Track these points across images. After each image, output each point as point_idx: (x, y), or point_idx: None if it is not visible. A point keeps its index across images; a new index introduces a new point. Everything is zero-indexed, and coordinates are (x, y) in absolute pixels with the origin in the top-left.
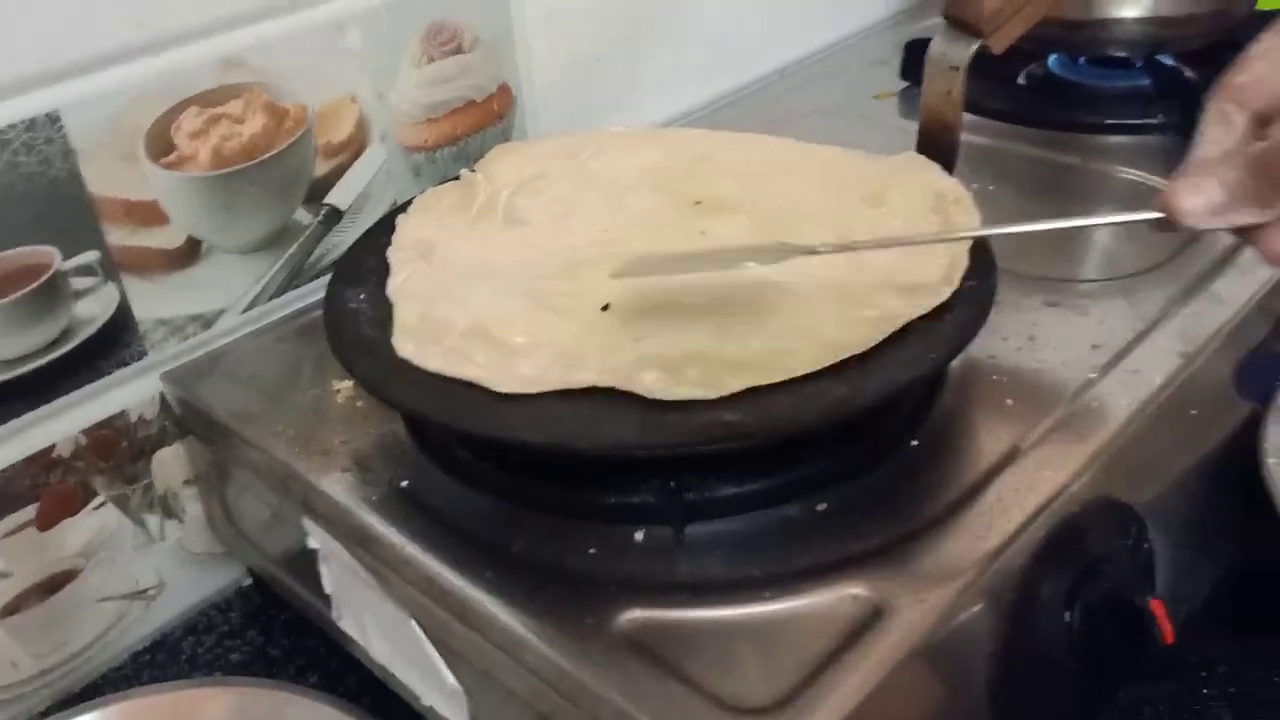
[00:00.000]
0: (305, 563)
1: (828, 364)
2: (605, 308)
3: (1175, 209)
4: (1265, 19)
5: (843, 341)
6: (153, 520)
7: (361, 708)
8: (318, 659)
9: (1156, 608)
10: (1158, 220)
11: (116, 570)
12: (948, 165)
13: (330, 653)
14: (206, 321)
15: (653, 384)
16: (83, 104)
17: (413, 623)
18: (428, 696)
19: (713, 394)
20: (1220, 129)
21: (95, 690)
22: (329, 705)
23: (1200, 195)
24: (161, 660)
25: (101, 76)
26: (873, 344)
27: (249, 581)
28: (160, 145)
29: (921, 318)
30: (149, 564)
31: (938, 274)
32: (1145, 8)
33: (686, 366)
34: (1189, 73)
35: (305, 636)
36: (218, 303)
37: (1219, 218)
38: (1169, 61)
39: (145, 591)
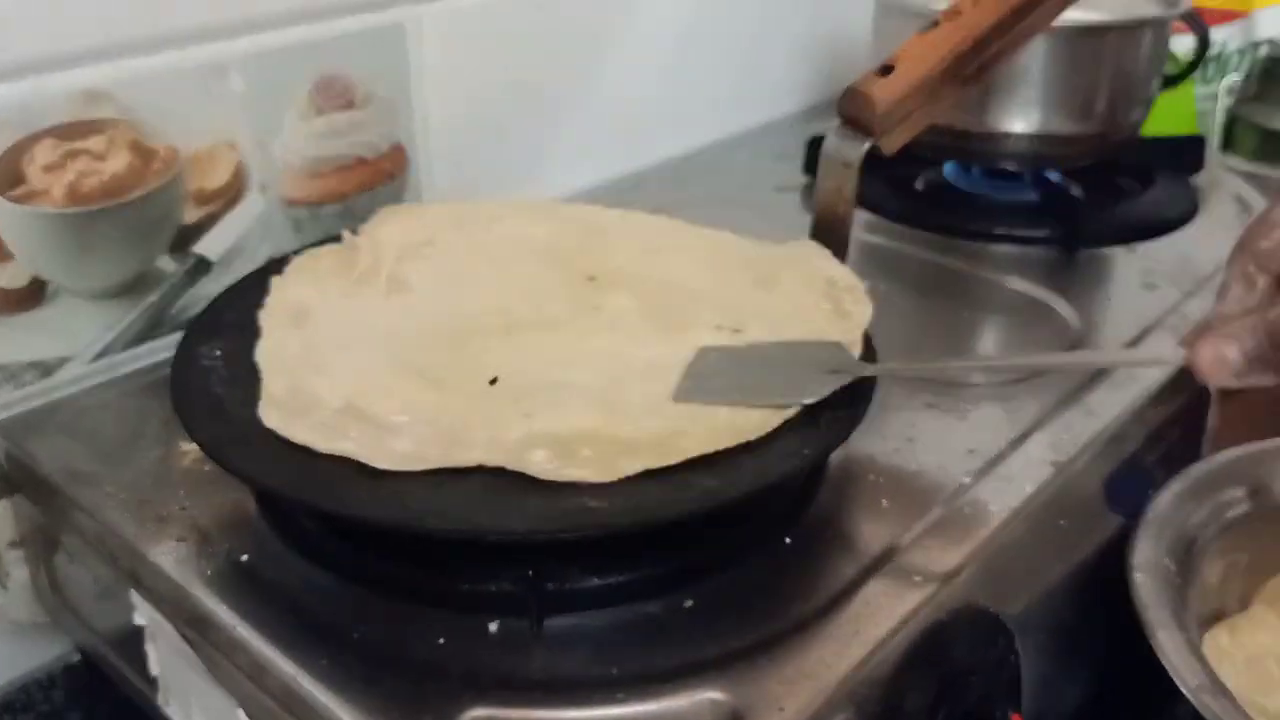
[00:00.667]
0: (133, 641)
1: (723, 446)
2: (493, 381)
3: (1198, 368)
4: (1146, 144)
5: (736, 426)
6: None
7: None
8: None
9: None
10: None
11: None
12: (839, 257)
13: None
14: (47, 369)
15: (542, 464)
16: None
17: (240, 712)
18: None
19: (606, 477)
20: (1243, 288)
21: None
22: None
23: (1221, 359)
24: None
25: None
26: (766, 430)
27: (77, 658)
28: (9, 177)
29: (803, 413)
30: None
31: None
32: (1033, 124)
33: (579, 446)
34: (1074, 190)
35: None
36: (61, 350)
37: (1237, 380)
38: (1055, 178)
39: None
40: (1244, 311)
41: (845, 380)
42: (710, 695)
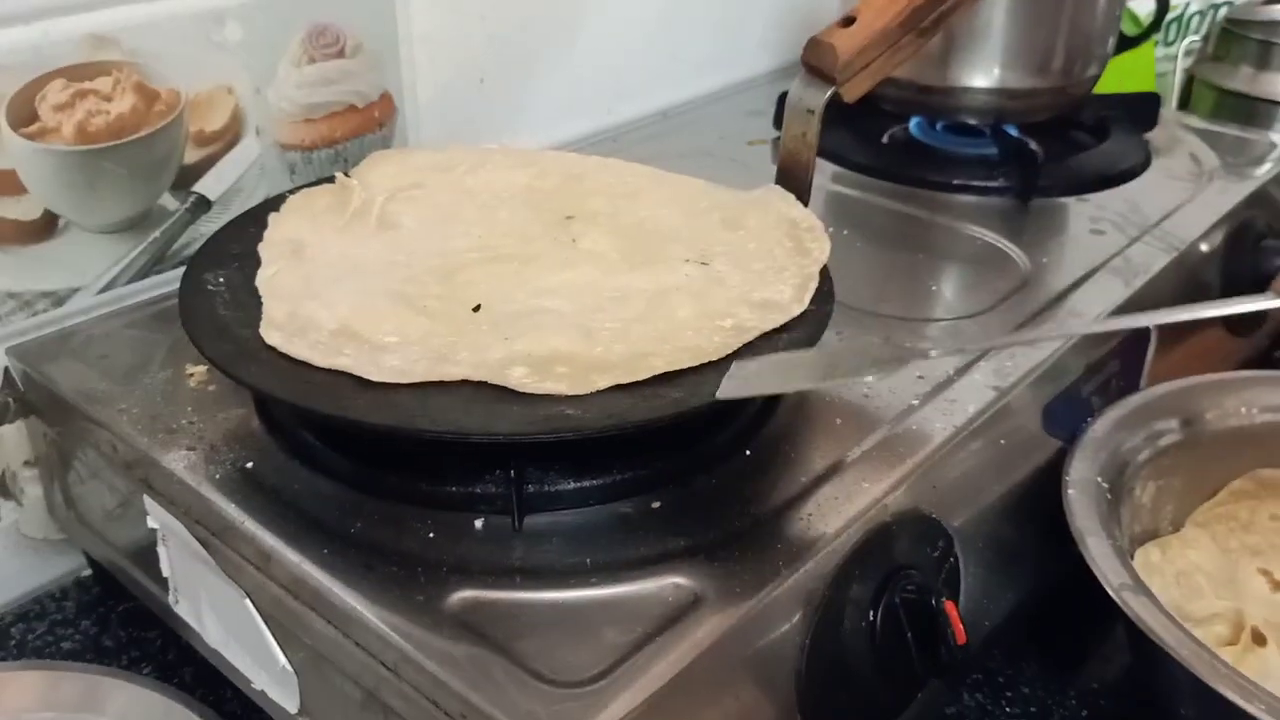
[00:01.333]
0: (145, 550)
1: (685, 366)
2: (476, 308)
3: None
4: (1102, 101)
5: (699, 348)
6: None
7: (180, 689)
8: (153, 652)
9: (950, 610)
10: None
11: None
12: (801, 200)
13: (167, 645)
14: (59, 299)
15: (522, 379)
16: None
17: (247, 602)
18: (259, 680)
19: (580, 390)
20: None
21: None
22: (146, 688)
23: None
24: None
25: None
26: (726, 352)
27: (88, 572)
28: (23, 114)
29: (765, 335)
30: None
31: (789, 294)
32: (993, 79)
33: (555, 364)
34: (1031, 144)
35: (142, 629)
36: (72, 281)
37: None
38: (1014, 132)
39: None
40: None
41: (900, 366)
42: (674, 580)
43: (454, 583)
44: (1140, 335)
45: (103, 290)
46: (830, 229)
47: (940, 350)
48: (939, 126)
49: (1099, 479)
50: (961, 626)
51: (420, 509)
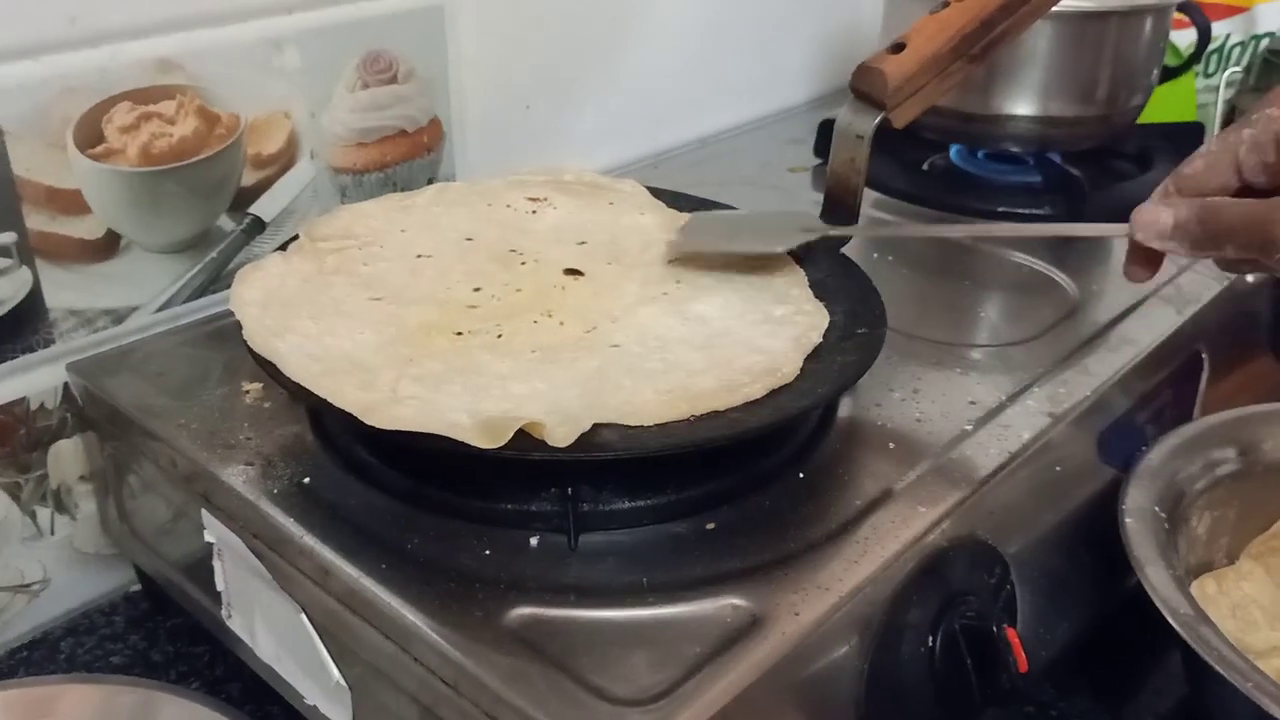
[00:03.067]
0: (199, 564)
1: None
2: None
3: (1134, 223)
4: (1145, 130)
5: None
6: (44, 514)
7: (231, 704)
8: (201, 666)
9: (1011, 637)
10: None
11: (1, 561)
12: (850, 224)
13: (215, 660)
14: (119, 317)
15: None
16: (16, 88)
17: (302, 616)
18: (311, 695)
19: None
20: (1222, 152)
21: None
22: (197, 702)
23: (1154, 220)
24: (38, 658)
25: (35, 63)
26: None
27: (137, 587)
28: (89, 136)
29: (814, 361)
30: (35, 558)
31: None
32: (1036, 107)
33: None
34: (1074, 171)
35: (191, 644)
36: (132, 299)
37: (1159, 241)
38: (1057, 160)
39: (29, 586)
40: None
41: (813, 237)
42: (732, 601)
43: (511, 599)
44: (1193, 363)
45: (161, 308)
46: (874, 255)
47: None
48: (980, 154)
49: (1155, 508)
50: (1023, 654)
51: (476, 525)
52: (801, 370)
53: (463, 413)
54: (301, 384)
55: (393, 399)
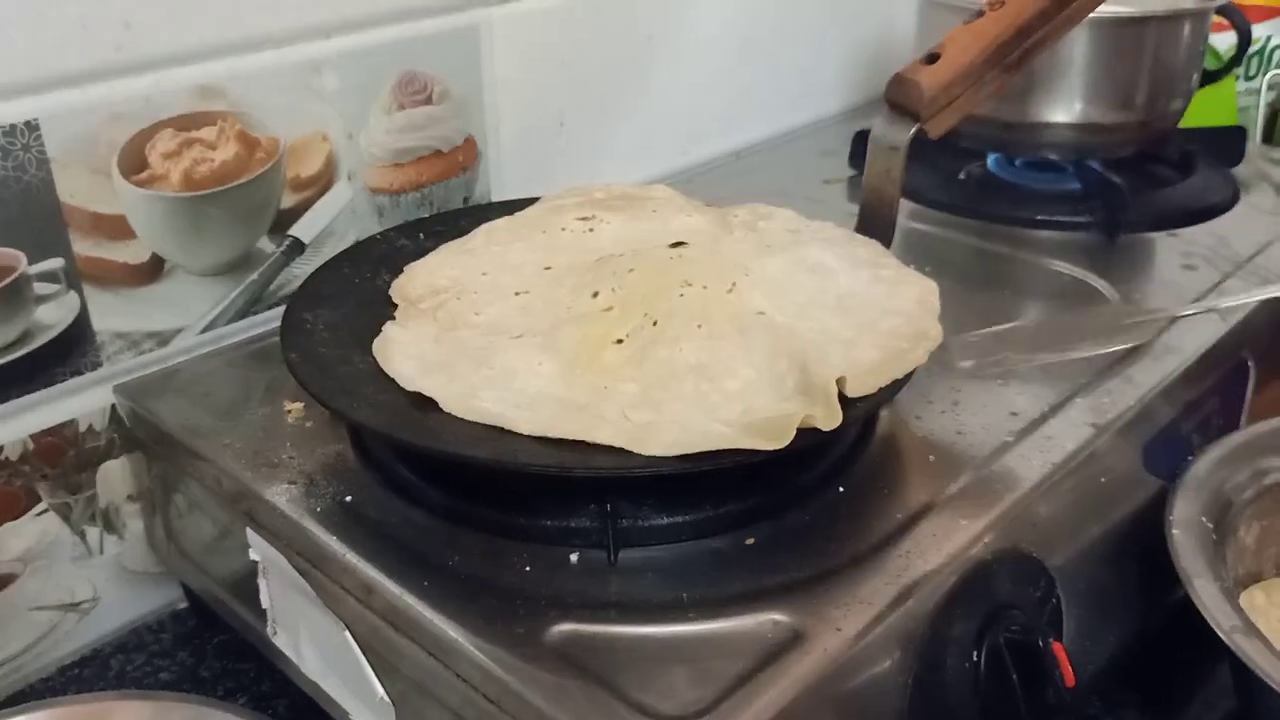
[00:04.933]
0: (244, 582)
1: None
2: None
3: None
4: (1186, 135)
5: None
6: (93, 533)
7: None
8: (248, 682)
9: (1058, 651)
10: None
11: (53, 580)
12: (885, 238)
13: (261, 676)
14: (163, 339)
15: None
16: (62, 115)
17: (347, 634)
18: (356, 711)
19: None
20: None
21: (20, 699)
22: (242, 717)
23: None
24: (89, 675)
25: (82, 92)
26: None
27: (184, 604)
28: (134, 162)
29: None
30: (85, 577)
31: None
32: (1075, 114)
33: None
34: (1115, 178)
35: (238, 660)
36: (176, 321)
37: None
38: (1096, 167)
39: (79, 604)
40: None
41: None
42: (773, 617)
43: (553, 616)
44: (1239, 371)
45: (204, 330)
46: (911, 265)
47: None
48: (1017, 163)
49: (1203, 519)
50: (1070, 668)
51: (516, 542)
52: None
53: (715, 423)
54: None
55: (649, 427)
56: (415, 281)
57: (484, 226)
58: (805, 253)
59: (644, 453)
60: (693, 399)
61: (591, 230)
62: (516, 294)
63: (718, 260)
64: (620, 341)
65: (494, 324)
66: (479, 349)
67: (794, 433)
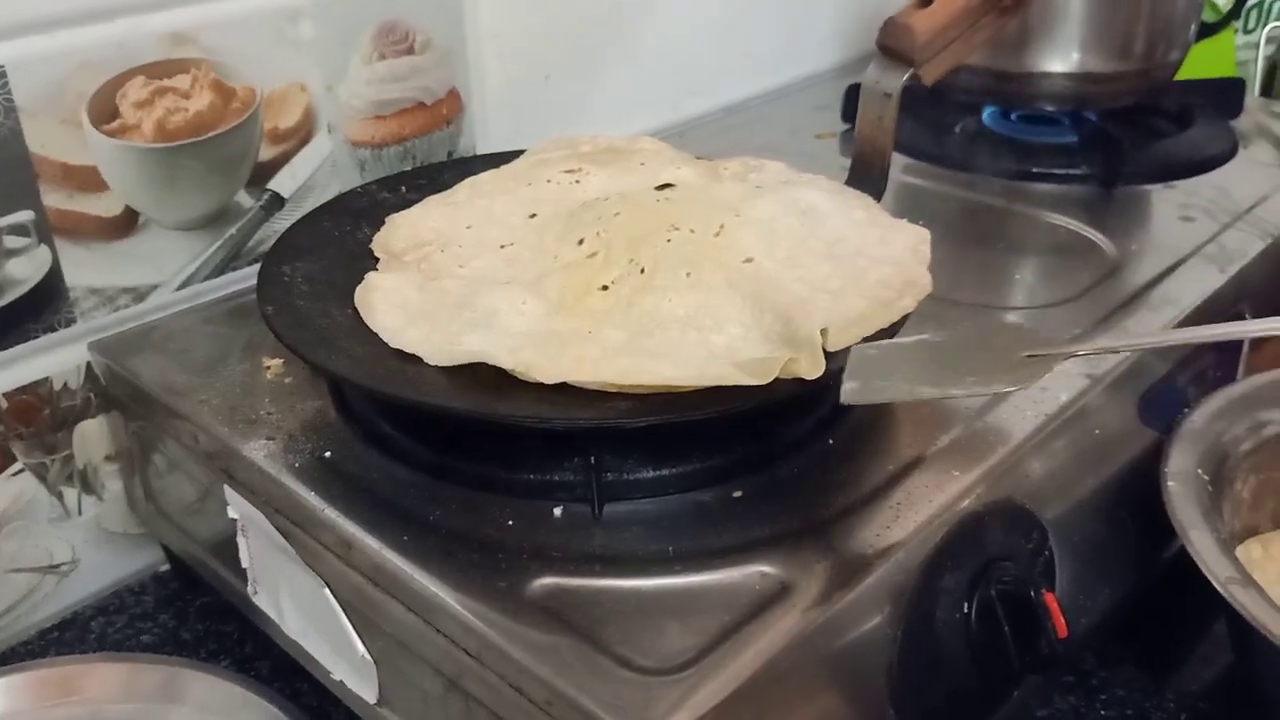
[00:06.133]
0: (224, 541)
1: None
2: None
3: None
4: (1184, 87)
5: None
6: (70, 494)
7: (259, 681)
8: (231, 644)
9: (1050, 602)
10: None
11: (30, 542)
12: (878, 189)
13: (244, 638)
14: (139, 295)
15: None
16: (30, 63)
17: (326, 591)
18: (338, 670)
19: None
20: None
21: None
22: (224, 679)
23: None
24: (69, 638)
25: (50, 38)
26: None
27: (165, 566)
28: (104, 112)
29: None
30: (64, 538)
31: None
32: (1072, 64)
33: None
34: (1112, 130)
35: (220, 622)
36: (152, 277)
37: None
38: (1093, 118)
39: (59, 566)
40: None
41: (1049, 367)
42: (760, 569)
43: (535, 569)
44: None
45: (181, 286)
46: (905, 218)
47: (1086, 348)
48: (1013, 116)
49: (1199, 471)
50: (1063, 619)
51: (499, 496)
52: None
53: (712, 357)
54: (534, 365)
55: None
56: (398, 234)
57: (468, 180)
58: (797, 194)
59: (643, 381)
60: (680, 346)
61: (578, 182)
62: (502, 246)
63: (706, 202)
64: (606, 288)
65: (479, 275)
66: (462, 295)
67: (777, 371)
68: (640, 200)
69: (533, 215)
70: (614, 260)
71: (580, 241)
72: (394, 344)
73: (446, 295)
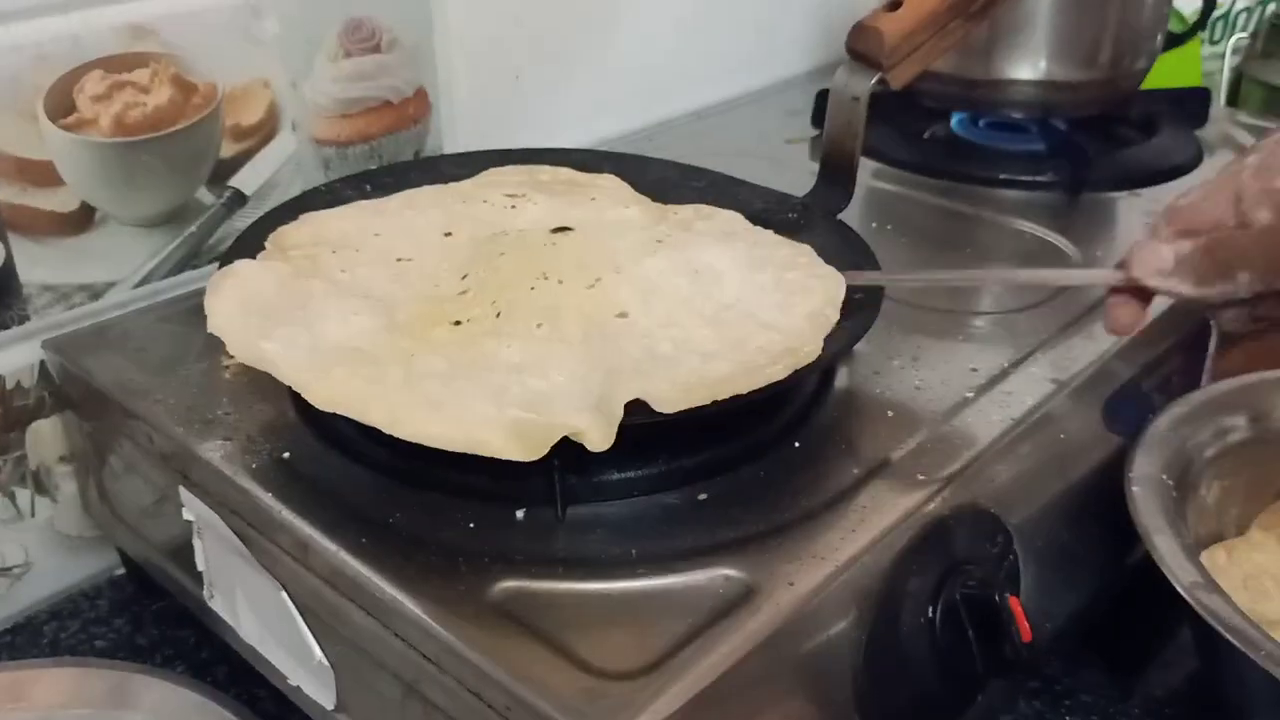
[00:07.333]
0: (180, 545)
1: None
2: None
3: (1130, 262)
4: (1150, 96)
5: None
6: (23, 495)
7: (211, 685)
8: (187, 649)
9: (1014, 606)
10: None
11: None
12: (846, 192)
13: (200, 643)
14: (95, 293)
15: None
16: None
17: (283, 594)
18: (295, 676)
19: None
20: (1222, 184)
21: None
22: (177, 685)
23: (1156, 256)
24: (21, 643)
25: (4, 30)
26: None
27: (121, 570)
28: (60, 105)
29: None
30: (16, 541)
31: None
32: (1040, 72)
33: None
34: (1078, 138)
35: (176, 627)
36: (108, 274)
37: (1160, 279)
38: (1061, 126)
39: (10, 569)
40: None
41: None
42: (725, 572)
43: (496, 573)
44: (1201, 331)
45: (139, 284)
46: (873, 224)
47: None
48: (981, 123)
49: (1164, 476)
50: (1027, 623)
51: (460, 499)
52: None
53: (488, 418)
54: (310, 386)
55: (412, 401)
56: (303, 229)
57: (408, 191)
58: (694, 254)
59: (392, 432)
60: (488, 390)
61: (513, 208)
62: (399, 260)
63: (592, 253)
64: (458, 324)
65: (354, 284)
66: (315, 297)
67: (547, 447)
68: (528, 242)
69: (448, 234)
70: (479, 300)
71: (464, 276)
72: (209, 328)
73: (299, 295)
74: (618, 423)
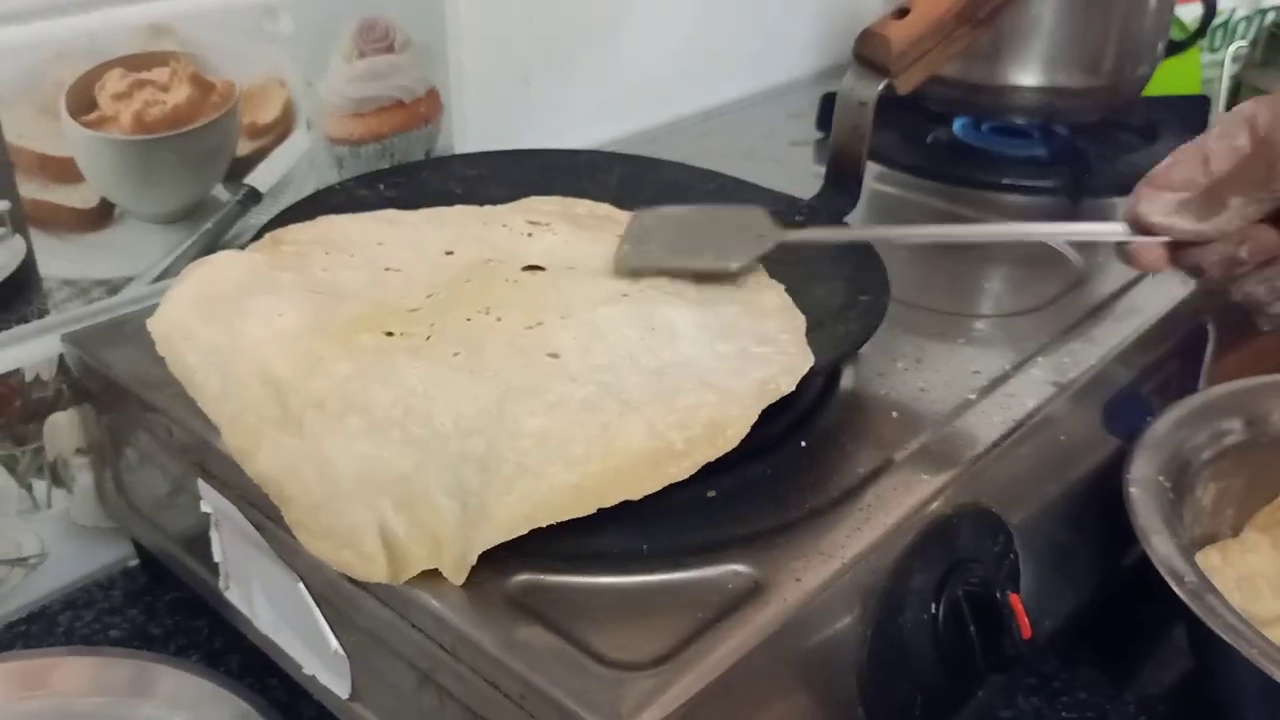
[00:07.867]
0: (195, 536)
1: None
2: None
3: (1133, 202)
4: (1151, 103)
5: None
6: (40, 486)
7: (229, 676)
8: (200, 639)
9: (1015, 603)
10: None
11: None
12: (852, 196)
13: (214, 633)
14: (113, 287)
15: None
16: (7, 52)
17: (301, 585)
18: (310, 665)
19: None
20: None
21: None
22: (193, 674)
23: (1151, 210)
24: (36, 632)
25: (27, 28)
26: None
27: (135, 561)
28: (82, 103)
29: (816, 327)
30: (32, 531)
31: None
32: (1042, 78)
33: None
34: (1080, 143)
35: (190, 617)
36: (127, 270)
37: (1163, 217)
38: (1063, 132)
39: (26, 559)
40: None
41: (767, 246)
42: (734, 567)
43: (510, 565)
44: (1199, 335)
45: (156, 279)
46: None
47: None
48: (984, 127)
49: (1161, 478)
50: (1027, 620)
51: None
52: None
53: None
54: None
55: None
56: (310, 229)
57: (437, 209)
58: (656, 310)
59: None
60: (369, 432)
61: (529, 235)
62: (386, 269)
63: (548, 295)
64: (389, 334)
65: (330, 283)
66: (265, 294)
67: (406, 576)
68: (493, 275)
69: (449, 253)
70: (423, 320)
71: (429, 295)
72: (161, 309)
73: (261, 283)
74: (471, 563)
